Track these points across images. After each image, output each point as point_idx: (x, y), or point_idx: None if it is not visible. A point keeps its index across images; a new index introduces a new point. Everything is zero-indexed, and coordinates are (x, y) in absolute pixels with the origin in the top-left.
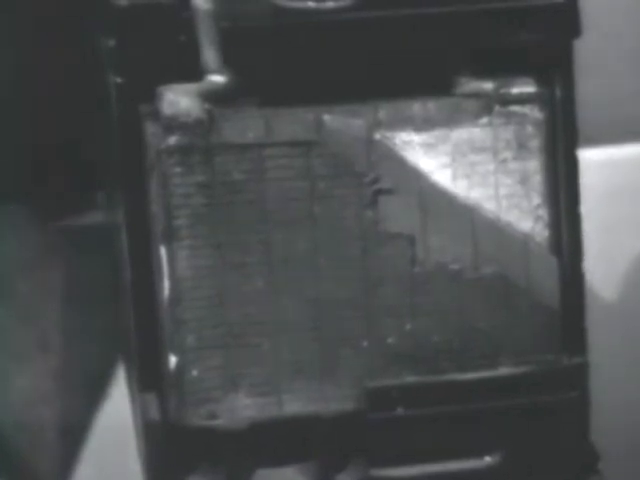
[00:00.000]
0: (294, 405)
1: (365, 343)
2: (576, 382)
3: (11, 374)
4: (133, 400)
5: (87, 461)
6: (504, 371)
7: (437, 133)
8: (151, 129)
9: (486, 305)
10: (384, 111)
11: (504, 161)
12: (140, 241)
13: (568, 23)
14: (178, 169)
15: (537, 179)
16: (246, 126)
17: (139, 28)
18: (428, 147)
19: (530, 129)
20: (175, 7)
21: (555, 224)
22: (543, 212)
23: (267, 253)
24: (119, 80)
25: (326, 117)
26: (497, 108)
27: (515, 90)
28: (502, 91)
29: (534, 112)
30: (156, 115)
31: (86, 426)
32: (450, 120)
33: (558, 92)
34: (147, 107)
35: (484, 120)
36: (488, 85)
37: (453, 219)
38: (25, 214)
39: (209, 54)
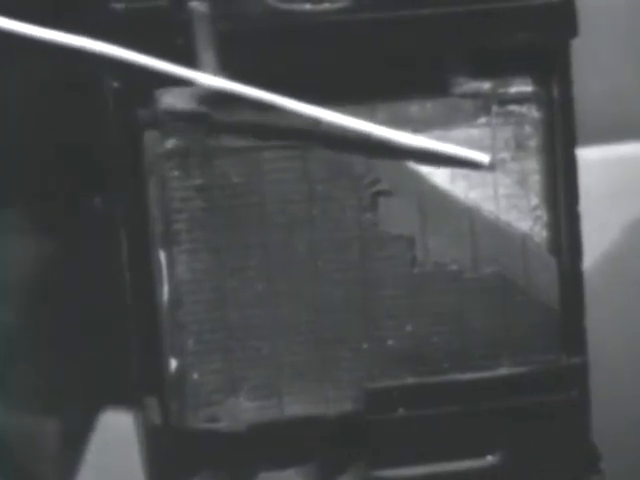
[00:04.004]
0: (295, 407)
1: (365, 345)
2: (576, 382)
3: (11, 375)
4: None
5: (88, 464)
6: (504, 371)
7: (435, 134)
8: (149, 133)
9: (486, 305)
10: (382, 112)
11: (502, 161)
12: (139, 245)
13: (565, 22)
14: (176, 173)
15: (536, 179)
16: (244, 129)
17: (136, 31)
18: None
19: (528, 129)
20: (171, 10)
21: (554, 224)
22: (542, 212)
23: (266, 256)
24: (116, 84)
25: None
26: (495, 108)
27: (513, 90)
28: (500, 91)
29: (532, 112)
30: (154, 119)
31: (87, 428)
32: (448, 120)
33: (556, 91)
34: (145, 111)
35: (482, 120)
36: (486, 85)
37: (452, 220)
38: (24, 217)
39: (206, 57)
